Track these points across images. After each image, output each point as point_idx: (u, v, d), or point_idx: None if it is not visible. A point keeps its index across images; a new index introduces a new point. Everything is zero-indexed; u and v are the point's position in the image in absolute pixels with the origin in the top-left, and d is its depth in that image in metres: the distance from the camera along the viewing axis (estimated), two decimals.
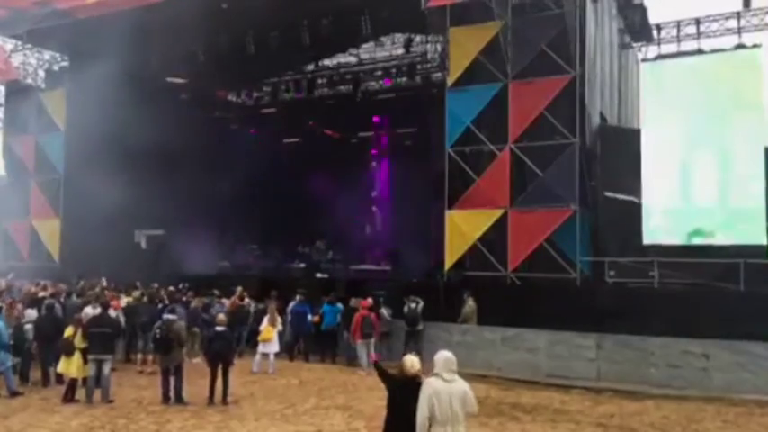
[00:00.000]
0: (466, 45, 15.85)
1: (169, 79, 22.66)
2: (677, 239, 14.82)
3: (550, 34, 14.99)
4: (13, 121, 23.31)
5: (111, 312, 12.14)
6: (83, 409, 10.03)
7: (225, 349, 10.75)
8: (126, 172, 19.47)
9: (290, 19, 18.84)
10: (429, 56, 21.82)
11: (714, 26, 19.41)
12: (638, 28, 19.72)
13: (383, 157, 26.99)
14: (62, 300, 14.01)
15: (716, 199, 14.78)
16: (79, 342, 10.60)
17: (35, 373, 11.91)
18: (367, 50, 23.78)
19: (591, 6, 15.85)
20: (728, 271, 13.08)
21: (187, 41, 19.42)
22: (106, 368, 10.57)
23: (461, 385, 5.63)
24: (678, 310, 12.69)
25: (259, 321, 13.96)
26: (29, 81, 23.08)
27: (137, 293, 14.75)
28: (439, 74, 19.83)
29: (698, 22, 19.55)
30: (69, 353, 10.64)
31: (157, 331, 10.89)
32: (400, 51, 22.84)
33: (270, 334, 13.42)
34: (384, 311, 14.58)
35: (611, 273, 14.48)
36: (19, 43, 21.73)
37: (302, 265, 22.36)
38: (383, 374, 6.32)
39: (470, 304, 14.31)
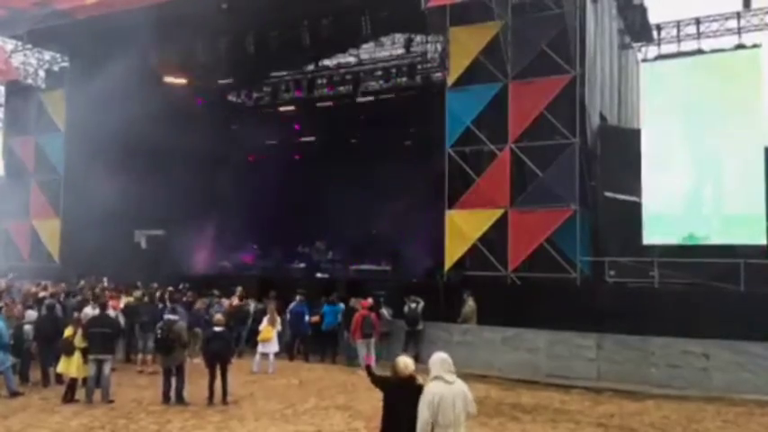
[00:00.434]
0: (466, 45, 15.86)
1: (169, 79, 22.63)
2: (677, 239, 14.81)
3: (550, 34, 15.00)
4: (13, 122, 23.35)
5: (111, 312, 12.15)
6: (83, 410, 10.03)
7: (223, 349, 10.73)
8: (126, 172, 19.50)
9: (290, 19, 18.84)
10: (429, 56, 21.86)
11: (714, 26, 19.44)
12: (638, 28, 19.72)
13: (383, 157, 26.96)
14: (62, 300, 14.01)
15: (716, 199, 14.77)
16: (79, 342, 10.60)
17: (35, 374, 11.90)
18: (367, 51, 23.81)
19: (591, 6, 15.85)
20: (728, 271, 13.07)
21: (187, 41, 19.42)
22: (106, 368, 10.57)
23: (461, 386, 5.52)
24: (678, 310, 12.70)
25: (259, 321, 13.97)
26: (29, 81, 23.15)
27: (138, 293, 14.75)
28: (439, 74, 19.82)
29: (698, 22, 19.58)
30: (69, 353, 10.64)
31: (159, 331, 10.89)
32: (400, 51, 22.87)
33: (269, 334, 13.43)
34: (384, 311, 14.58)
35: (611, 273, 14.49)
36: (19, 43, 21.75)
37: (302, 265, 22.37)
38: (376, 380, 6.10)
39: (470, 304, 14.31)
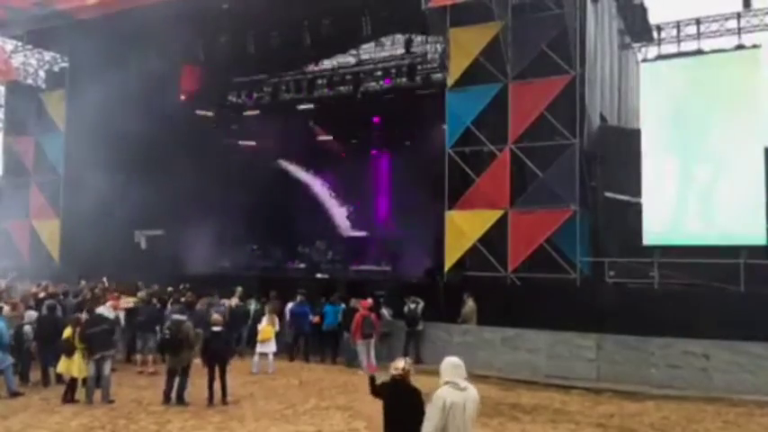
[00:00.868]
0: (466, 45, 15.85)
1: (169, 80, 22.63)
2: (677, 240, 14.79)
3: (550, 34, 15.00)
4: (13, 122, 23.31)
5: (111, 313, 12.15)
6: (83, 410, 10.03)
7: (222, 350, 10.71)
8: (125, 172, 19.49)
9: (290, 19, 18.85)
10: (429, 56, 21.84)
11: (714, 26, 19.43)
12: (638, 28, 19.75)
13: (383, 157, 27.00)
14: (62, 300, 14.00)
15: (716, 199, 14.75)
16: (78, 342, 10.59)
17: (35, 374, 11.91)
18: (367, 51, 23.82)
19: (591, 7, 15.85)
20: (728, 271, 13.07)
21: (187, 42, 19.42)
22: (106, 368, 10.56)
23: (473, 392, 5.36)
24: (678, 311, 12.68)
25: (258, 321, 13.96)
26: (29, 81, 23.16)
27: (142, 294, 14.64)
28: (439, 74, 19.84)
29: (698, 22, 19.57)
30: (69, 353, 10.63)
31: (167, 332, 10.86)
32: (400, 52, 22.87)
33: (268, 334, 13.42)
34: (384, 312, 14.58)
35: (611, 273, 14.48)
36: (19, 44, 21.78)
37: (302, 265, 22.37)
38: (375, 391, 6.02)
39: (470, 305, 14.31)
